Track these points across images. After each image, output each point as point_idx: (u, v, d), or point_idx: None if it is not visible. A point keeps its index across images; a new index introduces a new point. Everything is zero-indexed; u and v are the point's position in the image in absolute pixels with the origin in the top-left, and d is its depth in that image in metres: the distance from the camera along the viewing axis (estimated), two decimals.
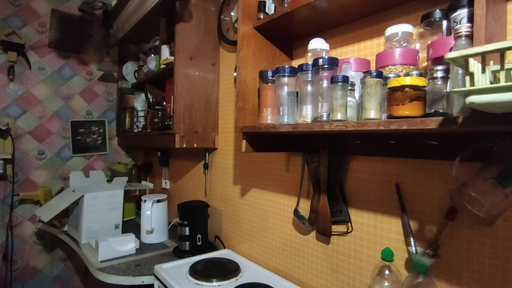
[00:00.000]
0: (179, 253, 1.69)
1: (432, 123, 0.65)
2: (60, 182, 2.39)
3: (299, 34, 1.29)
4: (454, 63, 0.54)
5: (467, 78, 0.52)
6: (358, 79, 0.94)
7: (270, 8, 1.25)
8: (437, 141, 0.87)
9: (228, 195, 1.79)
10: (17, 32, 2.16)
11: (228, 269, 1.40)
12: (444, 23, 0.83)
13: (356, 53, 1.14)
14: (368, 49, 1.10)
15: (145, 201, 1.88)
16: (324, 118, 0.93)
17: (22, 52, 2.20)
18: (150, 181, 2.75)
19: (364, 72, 0.85)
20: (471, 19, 0.73)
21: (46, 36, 2.31)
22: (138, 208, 2.43)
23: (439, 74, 0.74)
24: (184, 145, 1.74)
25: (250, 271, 1.42)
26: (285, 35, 1.31)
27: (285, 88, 1.07)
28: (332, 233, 1.17)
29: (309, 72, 1.00)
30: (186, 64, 1.74)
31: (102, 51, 2.55)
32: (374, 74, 0.81)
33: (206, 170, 1.97)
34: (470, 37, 0.69)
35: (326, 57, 0.95)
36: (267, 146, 1.26)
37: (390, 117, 0.75)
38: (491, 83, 0.53)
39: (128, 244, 1.71)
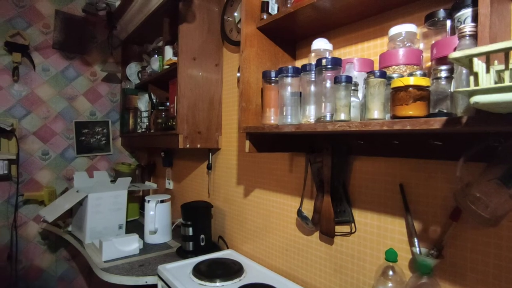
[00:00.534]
0: (182, 254, 1.70)
1: (436, 123, 0.65)
2: (64, 183, 2.40)
3: (302, 34, 1.29)
4: (458, 63, 0.54)
5: (472, 78, 0.51)
6: (361, 79, 0.94)
7: (273, 8, 1.25)
8: (441, 141, 0.86)
9: (231, 196, 1.80)
10: (22, 33, 2.17)
11: (232, 270, 1.40)
12: (448, 22, 0.82)
13: (359, 53, 1.14)
14: (371, 49, 1.10)
15: (148, 201, 1.89)
16: (328, 118, 0.92)
17: (26, 53, 2.22)
18: (153, 181, 2.76)
19: (367, 72, 0.84)
20: (475, 18, 0.73)
21: (50, 37, 2.33)
22: (142, 208, 2.44)
23: (443, 74, 0.74)
24: (188, 146, 1.75)
25: (253, 272, 1.42)
26: (288, 36, 1.31)
27: (289, 88, 1.07)
28: (336, 233, 1.17)
29: (313, 72, 1.00)
30: (190, 65, 1.75)
31: (105, 52, 2.56)
32: (378, 74, 0.81)
33: (210, 171, 1.98)
34: (475, 36, 0.68)
35: (330, 57, 0.95)
36: (270, 147, 1.26)
37: (394, 117, 0.75)
38: (495, 83, 0.52)
39: (131, 244, 1.72)
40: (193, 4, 1.75)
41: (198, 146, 1.80)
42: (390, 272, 0.94)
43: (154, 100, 2.17)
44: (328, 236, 1.19)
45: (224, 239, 1.83)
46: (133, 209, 2.37)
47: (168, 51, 1.89)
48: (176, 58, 1.76)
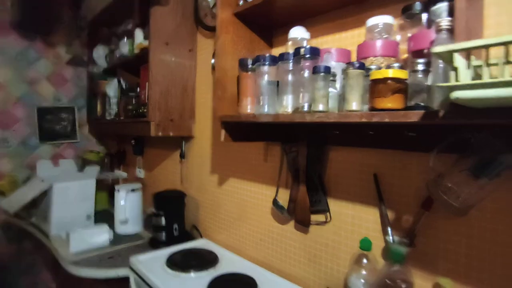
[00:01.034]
0: (155, 244, 1.66)
1: (415, 116, 0.65)
2: (27, 172, 2.27)
3: (279, 21, 1.26)
4: (439, 58, 0.54)
5: (452, 73, 0.52)
6: (339, 70, 0.93)
7: None
8: (416, 132, 0.88)
9: (205, 185, 1.77)
10: None
11: (206, 259, 1.38)
12: (424, 15, 0.83)
13: (337, 43, 1.13)
14: (349, 39, 1.09)
15: (118, 190, 1.83)
16: (305, 108, 0.92)
17: None
18: (123, 170, 2.67)
19: (346, 63, 0.84)
20: (450, 12, 0.74)
21: (7, 14, 2.15)
22: (112, 198, 2.36)
23: (420, 67, 0.75)
24: (160, 134, 1.69)
25: (228, 261, 1.42)
26: (265, 22, 1.28)
27: (266, 77, 1.05)
28: (311, 222, 1.18)
29: (290, 61, 0.99)
30: (162, 50, 1.68)
31: (71, 33, 2.40)
32: (357, 65, 0.81)
33: (183, 159, 1.93)
34: (451, 31, 0.69)
35: (308, 46, 0.93)
36: (246, 136, 1.24)
37: (372, 109, 0.75)
38: (473, 78, 0.53)
39: (101, 236, 1.66)
40: None
41: (171, 134, 1.75)
42: (364, 260, 0.96)
43: (124, 86, 2.08)
44: (303, 225, 1.20)
45: (198, 228, 1.81)
46: (101, 199, 2.29)
47: (139, 34, 1.80)
48: (146, 42, 1.68)
